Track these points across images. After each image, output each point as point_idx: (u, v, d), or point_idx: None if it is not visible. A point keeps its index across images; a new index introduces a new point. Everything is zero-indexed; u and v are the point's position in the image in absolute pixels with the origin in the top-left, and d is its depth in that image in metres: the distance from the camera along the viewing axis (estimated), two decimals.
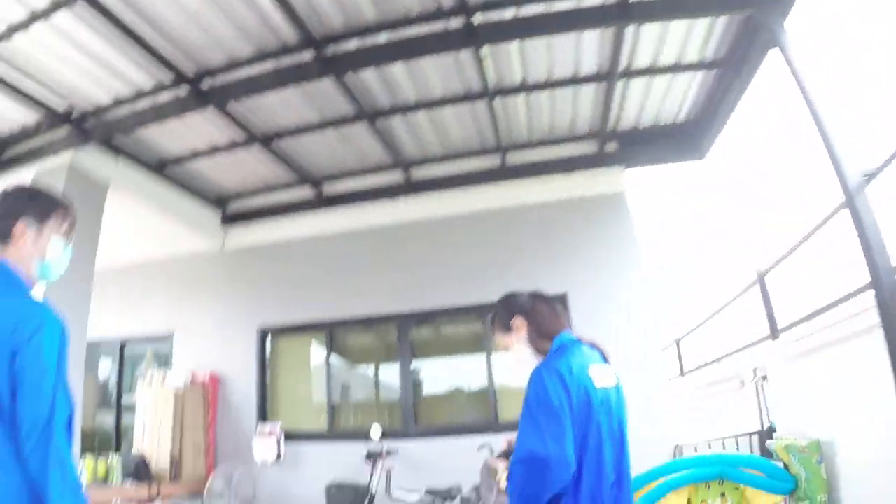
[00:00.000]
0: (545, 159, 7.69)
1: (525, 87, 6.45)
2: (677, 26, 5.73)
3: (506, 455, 2.70)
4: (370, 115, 6.63)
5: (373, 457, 6.68)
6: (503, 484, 2.44)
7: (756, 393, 7.49)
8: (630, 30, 5.68)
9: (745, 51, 5.97)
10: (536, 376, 2.31)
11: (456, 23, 5.34)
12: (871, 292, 4.68)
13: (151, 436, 7.37)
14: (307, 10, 5.16)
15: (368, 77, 6.06)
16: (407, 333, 7.80)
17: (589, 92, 6.71)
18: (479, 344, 7.64)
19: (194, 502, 7.15)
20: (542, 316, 2.61)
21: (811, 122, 4.88)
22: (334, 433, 7.72)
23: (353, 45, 5.50)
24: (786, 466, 5.93)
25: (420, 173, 7.97)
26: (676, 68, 6.37)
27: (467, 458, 6.76)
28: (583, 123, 7.37)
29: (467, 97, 6.51)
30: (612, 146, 7.68)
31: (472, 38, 5.37)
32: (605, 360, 2.55)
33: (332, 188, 8.27)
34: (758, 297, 7.44)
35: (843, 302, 5.36)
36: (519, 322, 2.59)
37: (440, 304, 7.67)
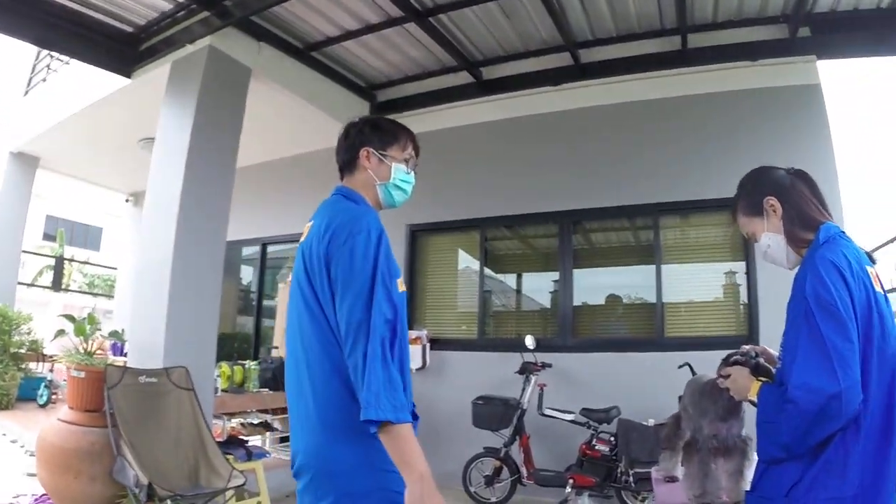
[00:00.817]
0: (730, 43, 6.70)
1: None
2: None
3: (745, 364, 2.15)
4: None
5: (526, 370, 6.22)
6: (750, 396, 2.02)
7: None
8: None
9: None
10: (812, 270, 1.85)
11: None
12: None
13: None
14: None
15: None
16: (569, 234, 7.10)
17: None
18: (648, 250, 6.89)
19: None
20: (803, 198, 2.09)
21: None
22: (484, 342, 7.23)
23: None
24: None
25: (589, 56, 7.06)
26: None
27: (628, 378, 6.33)
28: (776, 2, 6.35)
29: None
30: (804, 31, 6.63)
31: None
32: (872, 261, 2.02)
33: (491, 72, 7.47)
34: None
35: None
36: (773, 203, 2.10)
37: (606, 203, 6.94)
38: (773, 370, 2.13)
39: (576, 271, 7.04)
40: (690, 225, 6.95)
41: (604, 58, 7.01)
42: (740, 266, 6.52)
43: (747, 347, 2.26)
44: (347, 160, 2.23)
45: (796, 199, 2.10)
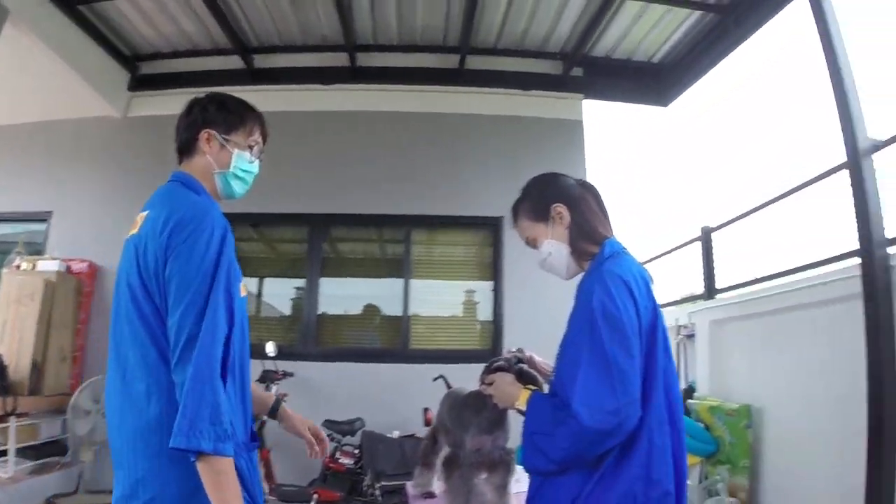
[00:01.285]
0: (507, 70, 6.99)
1: None
2: None
3: (509, 370, 2.10)
4: None
5: (266, 378, 5.84)
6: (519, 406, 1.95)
7: (678, 351, 7.43)
8: None
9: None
10: (600, 283, 1.80)
11: None
12: (857, 261, 4.57)
13: (12, 336, 5.87)
14: None
15: None
16: (319, 239, 6.84)
17: (579, 3, 6.09)
18: (398, 263, 6.89)
19: (56, 420, 5.87)
20: (591, 211, 2.08)
21: (830, 76, 4.60)
22: None
23: None
24: (707, 428, 5.88)
25: (367, 60, 6.96)
26: (678, 0, 5.91)
27: (372, 389, 6.25)
28: (557, 40, 6.74)
29: None
30: (577, 71, 7.11)
31: None
32: (651, 279, 2.01)
33: (264, 61, 7.06)
34: (698, 254, 7.40)
35: (825, 264, 5.28)
36: (561, 210, 2.04)
37: (360, 210, 6.79)
38: (539, 378, 2.10)
39: (323, 279, 6.80)
40: (441, 241, 7.04)
41: (381, 64, 6.96)
42: (488, 284, 6.74)
43: (511, 351, 2.20)
44: (186, 141, 1.98)
45: (585, 210, 2.06)
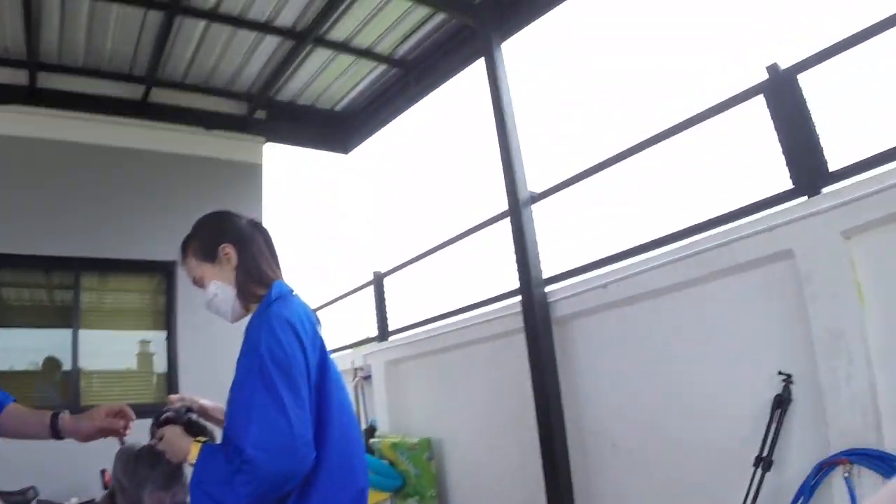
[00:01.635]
0: (192, 106, 6.75)
1: (213, 15, 5.56)
2: (392, 11, 5.69)
3: (177, 421, 1.97)
4: None
5: None
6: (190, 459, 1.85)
7: (357, 392, 7.63)
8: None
9: (438, 59, 6.22)
10: (266, 326, 1.81)
11: None
12: (518, 299, 5.17)
13: None
14: None
15: None
16: None
17: (271, 45, 6.14)
18: (67, 311, 6.13)
19: None
20: (261, 252, 2.08)
21: (500, 134, 5.24)
22: None
23: None
24: (392, 464, 6.13)
25: (49, 81, 6.16)
26: (365, 53, 6.29)
27: (45, 453, 5.34)
28: (244, 81, 6.71)
29: (150, 3, 5.32)
30: (261, 114, 7.15)
31: None
32: (319, 321, 2.08)
33: None
34: (371, 298, 7.74)
35: (489, 303, 5.87)
36: (230, 251, 2.02)
37: (25, 250, 5.93)
38: (211, 426, 2.00)
39: None
40: (112, 287, 6.54)
41: (64, 88, 6.22)
42: (161, 334, 6.42)
43: (176, 401, 2.03)
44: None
45: (254, 251, 2.03)
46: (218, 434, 1.99)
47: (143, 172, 6.49)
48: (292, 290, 1.99)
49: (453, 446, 5.99)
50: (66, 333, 6.04)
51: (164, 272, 6.45)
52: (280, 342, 1.74)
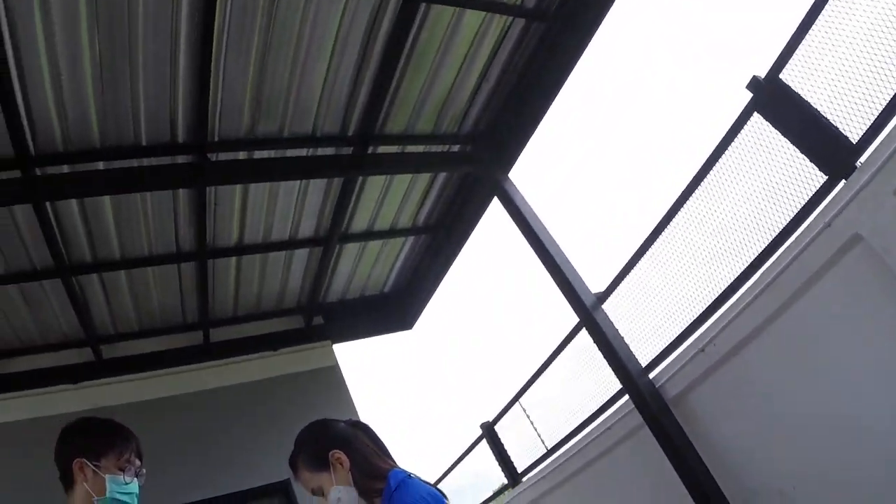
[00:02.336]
0: (251, 335, 6.98)
1: (239, 249, 5.91)
2: (398, 187, 5.91)
3: None
4: (67, 268, 5.33)
5: None
6: None
7: None
8: (356, 189, 5.67)
9: (458, 212, 6.37)
10: None
11: (186, 159, 4.76)
12: (626, 397, 4.98)
13: None
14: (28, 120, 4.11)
15: (73, 215, 4.93)
16: None
17: (302, 257, 6.41)
18: None
19: None
20: (368, 448, 2.12)
21: (541, 256, 5.28)
22: None
23: (65, 168, 4.46)
24: None
25: (112, 351, 6.53)
26: (391, 233, 6.50)
27: None
28: (291, 295, 6.96)
29: (178, 256, 5.71)
30: (318, 320, 7.32)
31: (201, 175, 4.79)
32: (445, 497, 2.09)
33: (4, 367, 6.23)
34: (486, 450, 7.54)
35: (601, 413, 5.65)
36: (340, 455, 2.05)
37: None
38: None
39: None
40: None
41: (127, 353, 6.57)
42: None
43: None
44: (62, 471, 1.98)
45: (362, 449, 2.07)
46: None
47: (230, 407, 6.58)
48: (409, 474, 1.99)
49: None
50: None
51: (282, 492, 6.31)
52: None
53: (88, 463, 1.95)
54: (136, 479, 2.04)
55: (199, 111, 4.40)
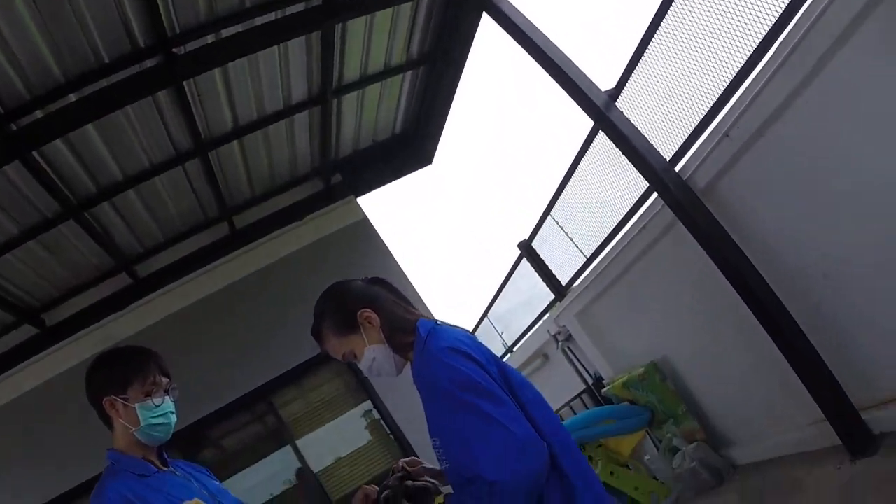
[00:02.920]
0: (276, 210, 6.93)
1: (237, 131, 5.67)
2: (381, 24, 5.48)
3: (402, 479, 1.96)
4: (76, 206, 5.23)
5: None
6: None
7: (566, 356, 7.54)
8: (337, 39, 5.26)
9: (450, 36, 5.96)
10: (435, 363, 1.74)
11: (154, 61, 4.43)
12: (654, 195, 4.88)
13: None
14: None
15: (63, 155, 4.76)
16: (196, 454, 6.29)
17: (303, 121, 6.13)
18: (278, 433, 6.49)
19: None
20: (392, 303, 2.02)
21: (542, 62, 4.98)
22: None
23: (38, 114, 4.23)
24: (633, 401, 5.95)
25: (147, 268, 6.62)
26: (386, 73, 6.12)
27: None
28: (303, 161, 6.77)
29: (179, 158, 5.51)
30: (337, 178, 7.17)
31: (173, 73, 4.48)
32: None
33: (55, 316, 6.45)
34: (528, 269, 7.63)
35: (633, 215, 5.60)
36: (369, 314, 1.94)
37: (224, 401, 6.32)
38: (430, 481, 1.97)
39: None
40: (302, 392, 6.72)
41: (162, 265, 6.64)
42: (367, 404, 6.57)
43: (398, 470, 2.02)
44: (98, 414, 2.03)
45: (388, 305, 1.98)
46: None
47: (274, 287, 6.67)
48: (437, 322, 1.93)
49: (679, 358, 5.75)
50: (286, 450, 6.38)
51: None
52: (453, 367, 1.70)
53: (116, 398, 1.97)
54: (166, 397, 2.04)
55: (151, 10, 4.01)
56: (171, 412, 2.06)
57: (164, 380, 2.06)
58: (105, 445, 2.06)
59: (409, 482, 1.94)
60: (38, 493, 5.88)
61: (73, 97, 4.27)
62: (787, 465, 4.61)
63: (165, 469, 2.06)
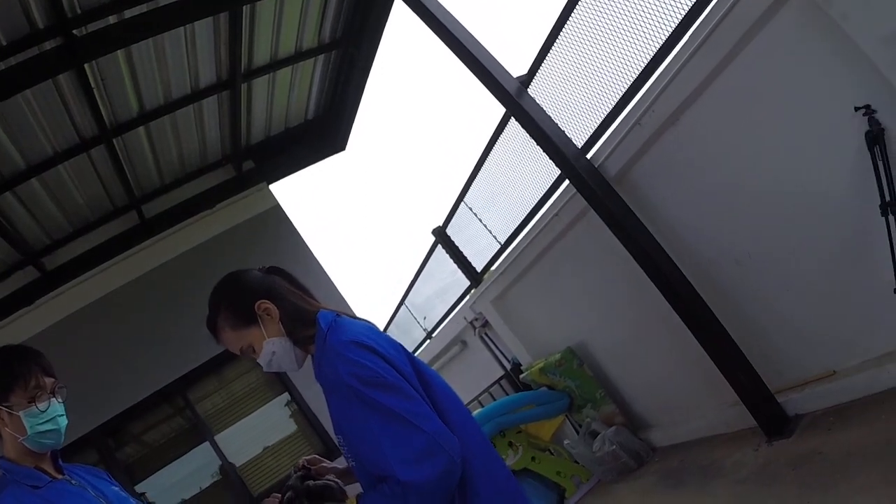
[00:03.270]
0: (186, 198, 6.74)
1: (143, 117, 5.47)
2: (292, 7, 5.39)
3: (303, 479, 1.90)
4: None
5: None
6: None
7: (484, 343, 7.60)
8: (246, 21, 5.15)
9: (362, 21, 5.91)
10: (337, 358, 1.67)
11: (54, 43, 4.21)
12: (566, 182, 4.95)
13: None
14: None
15: None
16: (111, 451, 6.11)
17: (213, 106, 6.00)
18: (196, 429, 6.32)
19: None
20: (292, 294, 1.93)
21: (454, 48, 4.97)
22: None
23: None
24: (551, 387, 6.06)
25: (53, 261, 6.34)
26: (297, 57, 6.02)
27: None
28: (213, 148, 6.62)
29: (84, 145, 5.28)
30: (249, 164, 7.05)
31: (73, 55, 4.24)
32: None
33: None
34: (444, 256, 7.64)
35: (545, 201, 5.68)
36: (268, 306, 1.85)
37: (140, 395, 6.16)
38: (332, 480, 1.89)
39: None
40: (217, 386, 6.61)
41: (69, 258, 6.36)
42: (284, 397, 6.55)
43: (300, 468, 1.95)
44: None
45: (287, 295, 1.88)
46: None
47: (184, 275, 6.48)
48: (337, 314, 1.85)
49: (595, 343, 5.86)
50: (206, 447, 6.24)
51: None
52: (355, 362, 1.63)
53: (1, 407, 1.85)
54: (52, 399, 1.92)
55: None
56: (60, 415, 1.94)
57: (49, 380, 1.93)
58: None
59: (310, 482, 1.88)
60: None
61: None
62: (706, 447, 4.73)
63: (60, 477, 1.95)
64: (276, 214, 7.03)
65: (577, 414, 6.01)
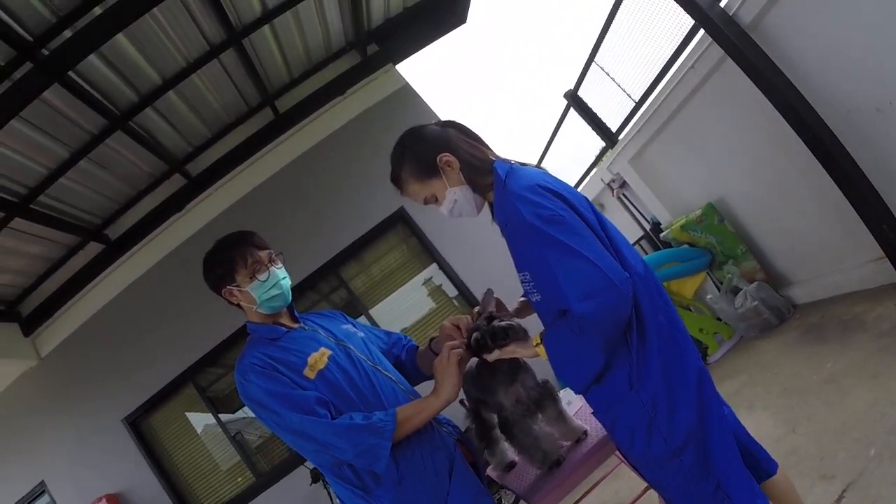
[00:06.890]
0: (317, 88, 6.93)
1: (268, 15, 5.57)
2: None
3: (488, 321, 2.07)
4: (120, 117, 5.37)
5: (320, 477, 5.71)
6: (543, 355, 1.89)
7: (623, 204, 7.53)
8: None
9: None
10: (518, 200, 1.79)
11: None
12: (702, 32, 4.65)
13: None
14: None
15: (99, 70, 4.84)
16: None
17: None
18: (350, 306, 6.68)
19: None
20: (469, 144, 2.03)
21: None
22: (266, 479, 6.45)
23: (67, 34, 4.26)
24: (692, 244, 5.94)
25: (197, 167, 6.82)
26: None
27: None
28: (337, 36, 6.66)
29: (214, 51, 5.50)
30: (373, 48, 7.08)
31: None
32: None
33: (117, 230, 6.80)
34: (577, 120, 7.47)
35: (679, 55, 5.38)
36: (448, 157, 1.97)
37: (303, 275, 6.62)
38: (513, 320, 2.07)
39: None
40: (369, 262, 6.92)
41: (211, 161, 6.83)
42: (433, 267, 6.74)
43: (474, 316, 2.17)
44: (228, 304, 2.25)
45: (464, 147, 2.01)
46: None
47: (328, 161, 6.87)
48: (511, 163, 1.99)
49: (736, 198, 5.64)
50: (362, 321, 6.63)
51: (399, 220, 6.76)
52: (536, 203, 1.76)
53: (231, 287, 2.16)
54: (271, 268, 2.18)
55: None
56: (282, 279, 2.22)
57: (263, 253, 2.20)
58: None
59: (494, 323, 2.04)
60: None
61: (98, 10, 4.25)
62: (847, 303, 4.60)
63: (296, 326, 2.26)
64: (406, 93, 7.06)
65: (719, 271, 5.90)
